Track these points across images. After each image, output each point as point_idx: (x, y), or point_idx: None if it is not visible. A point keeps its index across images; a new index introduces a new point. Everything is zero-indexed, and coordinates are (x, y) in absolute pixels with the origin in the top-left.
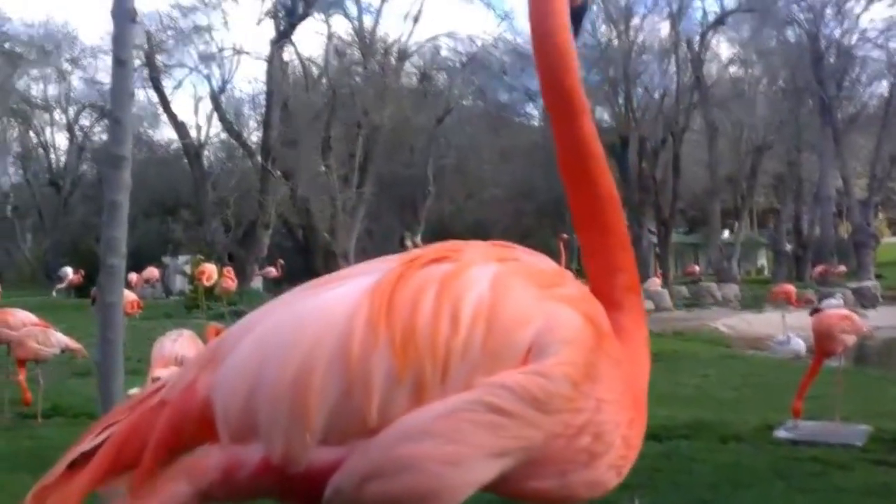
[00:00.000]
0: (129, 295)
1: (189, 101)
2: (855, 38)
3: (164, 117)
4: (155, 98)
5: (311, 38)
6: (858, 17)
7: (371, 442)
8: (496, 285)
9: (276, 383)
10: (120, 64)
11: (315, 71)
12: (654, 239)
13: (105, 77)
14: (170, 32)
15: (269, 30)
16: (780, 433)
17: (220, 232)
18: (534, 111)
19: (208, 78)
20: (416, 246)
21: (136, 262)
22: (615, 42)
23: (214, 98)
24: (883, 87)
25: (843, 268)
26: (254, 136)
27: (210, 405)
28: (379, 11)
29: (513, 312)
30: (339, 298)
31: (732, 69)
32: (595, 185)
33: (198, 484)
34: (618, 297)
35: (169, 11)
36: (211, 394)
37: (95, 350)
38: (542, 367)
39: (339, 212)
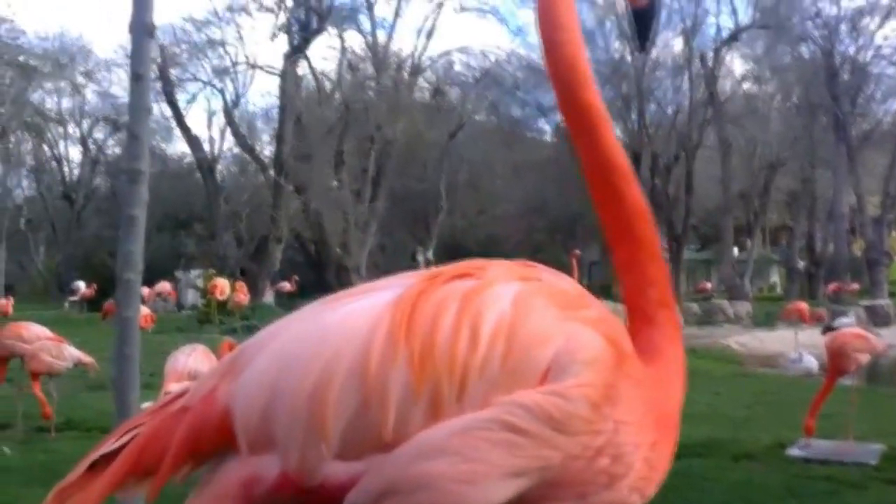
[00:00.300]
0: (142, 309)
1: (202, 115)
2: (870, 54)
3: (177, 131)
4: (168, 112)
5: (324, 53)
6: (874, 33)
7: (387, 458)
8: (517, 304)
9: (293, 394)
10: (137, 79)
11: (328, 85)
12: (666, 255)
13: (119, 90)
14: (183, 46)
15: (282, 44)
16: (793, 451)
17: (233, 246)
18: (546, 126)
19: (222, 92)
20: (427, 261)
21: (149, 276)
22: (628, 58)
23: (228, 112)
24: None
25: (856, 286)
26: (267, 151)
27: (229, 413)
28: (392, 26)
29: (533, 331)
30: (359, 312)
31: (746, 85)
32: (622, 199)
33: (218, 500)
34: (650, 312)
35: (182, 25)
36: (230, 402)
37: (112, 364)
38: (561, 388)
39: (352, 226)
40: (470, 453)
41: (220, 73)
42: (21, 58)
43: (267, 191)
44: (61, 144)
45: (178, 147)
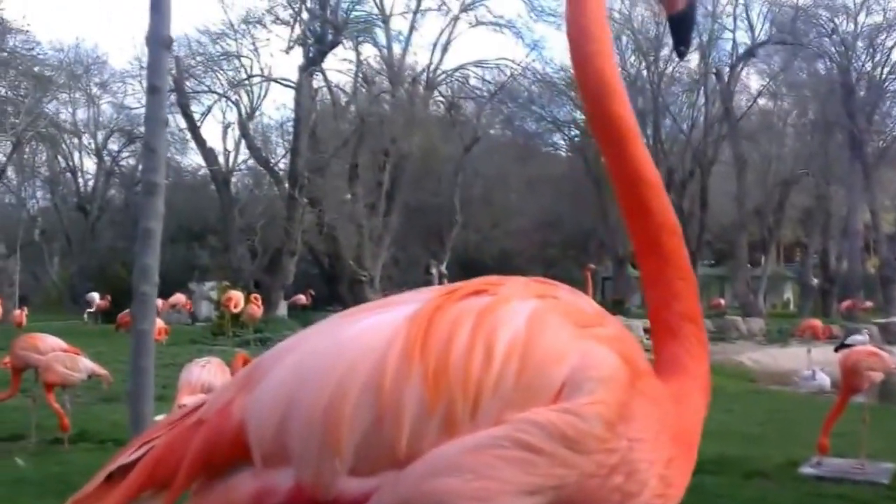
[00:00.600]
0: (156, 321)
1: (217, 127)
2: (886, 71)
3: (192, 143)
4: (183, 124)
5: (339, 66)
6: (890, 50)
7: (400, 475)
8: (532, 321)
9: (309, 408)
10: (153, 91)
11: (343, 98)
12: None
13: (134, 102)
14: (199, 58)
15: (298, 57)
16: (806, 469)
17: (247, 259)
18: (561, 141)
19: (237, 104)
20: (441, 275)
21: (163, 288)
22: (644, 73)
23: (243, 124)
24: None
25: (869, 303)
26: (281, 163)
27: (244, 427)
28: (408, 40)
29: (547, 349)
30: (375, 327)
31: (762, 101)
32: (649, 212)
33: None
34: (674, 326)
35: (198, 37)
36: (245, 415)
37: (127, 377)
38: (575, 406)
39: (366, 240)
40: (483, 470)
41: (236, 85)
42: (36, 68)
43: (281, 203)
44: (76, 155)
45: (193, 159)
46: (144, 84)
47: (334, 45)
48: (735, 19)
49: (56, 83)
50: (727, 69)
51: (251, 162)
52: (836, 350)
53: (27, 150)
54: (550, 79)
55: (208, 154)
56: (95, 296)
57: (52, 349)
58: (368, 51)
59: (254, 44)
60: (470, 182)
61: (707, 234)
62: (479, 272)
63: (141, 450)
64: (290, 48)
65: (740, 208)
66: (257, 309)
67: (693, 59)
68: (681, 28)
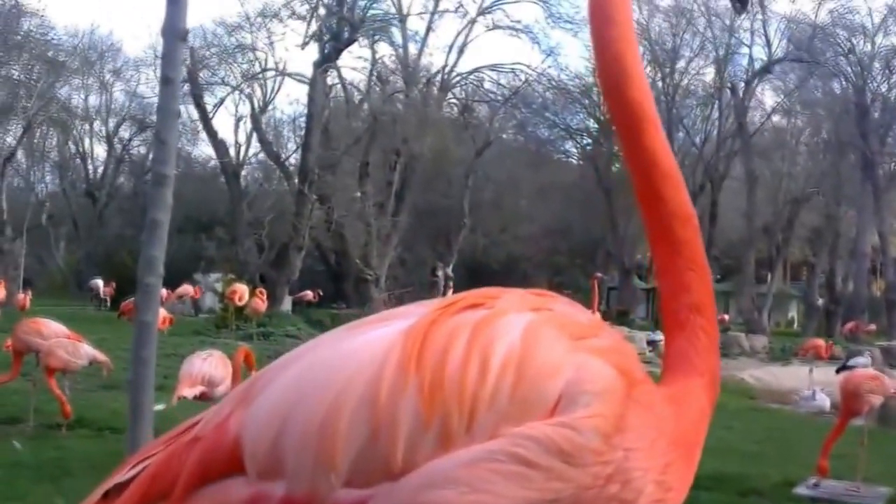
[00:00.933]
0: (160, 311)
1: (229, 120)
2: None
3: (203, 134)
4: (195, 115)
5: (354, 63)
6: None
7: (395, 486)
8: (528, 335)
9: (304, 423)
10: (167, 83)
11: (357, 96)
12: None
13: (146, 90)
14: (213, 49)
15: (313, 53)
16: (801, 490)
17: (254, 252)
18: (573, 149)
19: (250, 97)
20: (447, 277)
21: (168, 278)
22: (659, 84)
23: (255, 118)
24: None
25: (873, 326)
26: (292, 158)
27: (240, 442)
28: (424, 40)
29: (543, 363)
30: (373, 341)
31: (776, 118)
32: (661, 200)
33: None
34: (682, 317)
35: (213, 28)
36: (241, 431)
37: (128, 366)
38: (571, 420)
39: (373, 239)
40: (479, 484)
41: (249, 78)
42: (50, 53)
43: (290, 198)
44: (86, 141)
45: (204, 150)
46: (158, 73)
47: (350, 42)
48: (752, 34)
49: (69, 68)
50: (742, 84)
51: (262, 156)
52: (838, 371)
53: (38, 134)
54: (565, 86)
55: (219, 146)
56: (100, 282)
57: (54, 335)
58: (384, 50)
59: (269, 37)
60: (480, 186)
61: (714, 249)
62: (485, 276)
63: (137, 468)
64: (305, 44)
65: (749, 224)
66: (261, 303)
67: (708, 73)
68: None
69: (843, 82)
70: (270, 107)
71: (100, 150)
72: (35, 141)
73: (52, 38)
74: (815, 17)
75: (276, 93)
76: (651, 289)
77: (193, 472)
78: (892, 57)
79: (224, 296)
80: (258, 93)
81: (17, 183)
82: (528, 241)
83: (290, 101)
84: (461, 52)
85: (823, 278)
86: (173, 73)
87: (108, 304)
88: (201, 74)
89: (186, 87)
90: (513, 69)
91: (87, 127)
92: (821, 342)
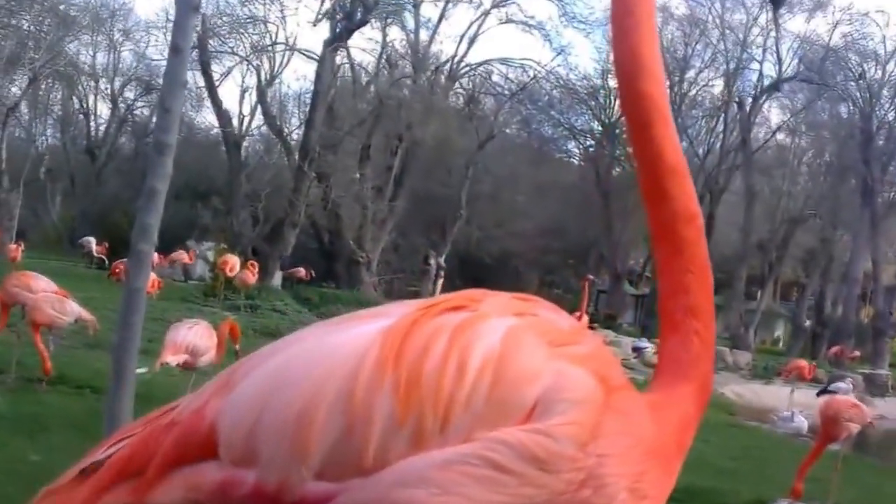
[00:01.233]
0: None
1: (235, 90)
2: None
3: (208, 102)
4: (201, 82)
5: (365, 45)
6: None
7: (366, 481)
8: (508, 339)
9: (281, 414)
10: (177, 52)
11: (364, 78)
12: None
13: (155, 53)
14: (225, 19)
15: (324, 31)
16: None
17: (248, 224)
18: (575, 150)
19: (258, 70)
20: (439, 266)
21: (161, 243)
22: (667, 92)
23: (261, 91)
24: None
25: (857, 352)
26: (294, 134)
27: (216, 428)
28: (436, 28)
29: (521, 368)
30: (354, 338)
31: (780, 136)
32: (667, 197)
33: (192, 495)
34: (677, 319)
35: None
36: (218, 417)
37: (114, 331)
38: (546, 427)
39: (369, 222)
40: (450, 486)
41: (259, 50)
42: (62, 6)
43: (289, 174)
44: (91, 99)
45: (207, 118)
46: (168, 37)
47: (362, 23)
48: (764, 51)
49: (80, 24)
50: (750, 99)
51: (264, 129)
52: (819, 395)
53: (43, 87)
54: (573, 86)
55: (223, 115)
56: (92, 241)
57: (43, 290)
58: (395, 34)
59: (282, 11)
60: (479, 178)
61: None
62: (477, 268)
63: (114, 447)
64: (317, 21)
65: (744, 240)
66: (252, 276)
67: (717, 85)
68: None
69: (851, 107)
70: (277, 81)
71: (103, 109)
72: (40, 94)
73: None
74: (829, 39)
75: (284, 67)
76: (641, 295)
77: (169, 453)
78: None
79: (215, 265)
80: (266, 65)
81: (19, 134)
82: (523, 238)
83: (298, 77)
84: (472, 42)
85: (813, 300)
86: (184, 43)
87: (100, 263)
88: (211, 42)
89: (195, 54)
90: (522, 64)
91: (92, 84)
92: (804, 364)
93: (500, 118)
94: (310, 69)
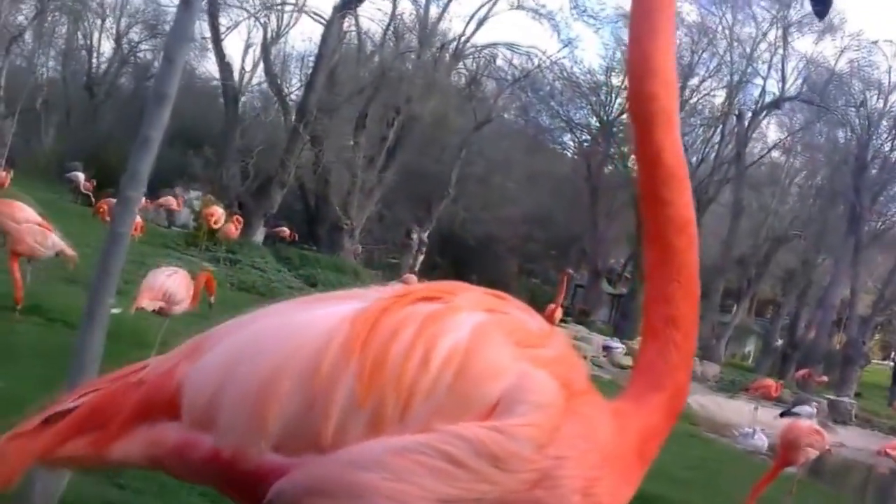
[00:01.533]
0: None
1: (239, 44)
2: None
3: (211, 53)
4: (207, 32)
5: (373, 14)
6: None
7: (320, 460)
8: (476, 334)
9: (244, 384)
10: (187, 5)
11: (370, 47)
12: None
13: None
14: None
15: None
16: None
17: (237, 178)
18: (570, 143)
19: (264, 26)
20: (421, 241)
21: (148, 186)
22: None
23: (265, 48)
24: None
25: (825, 378)
26: (294, 95)
27: (181, 391)
28: (447, 5)
29: (486, 364)
30: (324, 318)
31: (774, 154)
32: (661, 202)
33: (151, 451)
34: (657, 328)
35: None
36: (185, 381)
37: (93, 273)
38: (505, 426)
39: (357, 189)
40: (404, 474)
41: (268, 7)
42: None
43: (283, 134)
44: (95, 35)
45: (209, 68)
46: None
47: None
48: (769, 67)
49: None
50: (749, 114)
51: (265, 86)
52: (782, 415)
53: (49, 19)
54: (576, 79)
55: (225, 68)
56: (80, 175)
57: (26, 220)
58: (405, 5)
59: None
60: (472, 160)
61: None
62: (459, 248)
63: (80, 399)
64: None
65: (726, 253)
66: (235, 230)
67: (719, 96)
68: None
69: (849, 133)
70: (283, 40)
71: (106, 47)
72: (45, 25)
73: None
74: (835, 63)
75: (291, 27)
76: (618, 295)
77: (133, 410)
78: None
79: (200, 215)
80: (273, 23)
81: (20, 63)
82: (507, 224)
83: (304, 38)
84: (480, 24)
85: (787, 320)
86: None
87: (86, 198)
88: None
89: (204, 4)
90: (528, 52)
91: (98, 22)
92: (771, 382)
93: (500, 103)
94: (316, 31)
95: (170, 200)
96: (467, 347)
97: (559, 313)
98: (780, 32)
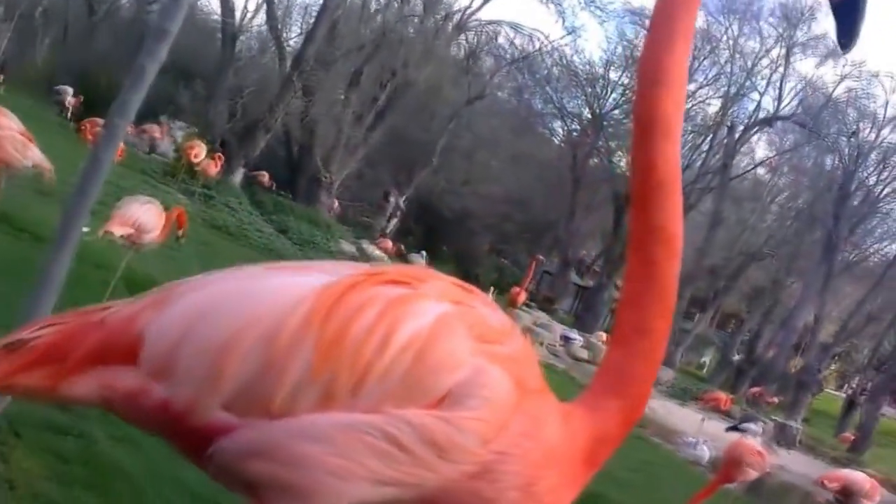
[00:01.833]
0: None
1: None
2: (886, 191)
3: None
4: None
5: None
6: None
7: (268, 425)
8: (437, 324)
9: (205, 340)
10: None
11: (374, 5)
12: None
13: None
14: None
15: None
16: None
17: (224, 117)
18: (560, 130)
19: None
20: (398, 206)
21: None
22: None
23: None
24: (892, 248)
25: (776, 399)
26: (292, 42)
27: (142, 338)
28: None
29: (443, 355)
30: (292, 286)
31: (760, 170)
32: (649, 212)
33: (104, 393)
34: (625, 335)
35: None
36: (147, 328)
37: (70, 194)
38: (453, 417)
39: (341, 145)
40: (347, 451)
41: None
42: None
43: (276, 80)
44: None
45: (210, 1)
46: None
47: None
48: (768, 84)
49: None
50: (741, 128)
51: (264, 29)
52: (728, 430)
53: None
54: (574, 68)
55: (226, 5)
56: (69, 90)
57: (9, 128)
58: None
59: None
60: (459, 133)
61: None
62: (434, 218)
63: (43, 330)
64: None
65: (698, 261)
66: (214, 167)
67: (714, 105)
68: (843, 17)
69: (836, 161)
70: None
71: None
72: None
73: None
74: (833, 89)
75: None
76: (584, 287)
77: (92, 350)
78: (892, 155)
79: (182, 147)
80: None
81: None
82: (486, 201)
83: None
84: None
85: (748, 337)
86: None
87: (71, 115)
88: None
89: None
90: (531, 34)
91: None
92: (723, 396)
93: (496, 80)
94: None
95: (153, 128)
96: (428, 335)
97: (523, 297)
98: (783, 51)
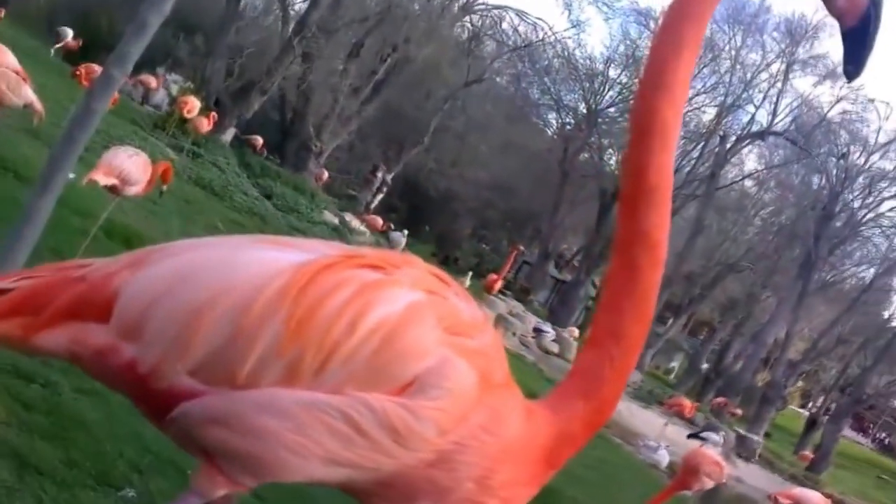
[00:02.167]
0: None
1: None
2: (868, 216)
3: None
4: None
5: None
6: (882, 201)
7: (231, 395)
8: (408, 311)
9: (177, 305)
10: None
11: None
12: (594, 293)
13: None
14: None
15: None
16: None
17: (221, 74)
18: (554, 122)
19: None
20: (384, 182)
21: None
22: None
23: None
24: (868, 274)
25: (740, 411)
26: (297, 7)
27: (117, 297)
28: None
29: (410, 343)
30: (269, 261)
31: (747, 183)
32: (636, 217)
33: (74, 348)
34: (599, 338)
35: None
36: (123, 287)
37: (58, 141)
38: (414, 405)
39: (335, 115)
40: (306, 429)
41: None
42: None
43: (277, 43)
44: None
45: None
46: None
47: None
48: (764, 98)
49: None
50: (733, 138)
51: None
52: (689, 437)
53: None
54: (575, 61)
55: None
56: (69, 31)
57: (4, 65)
58: None
59: None
60: (453, 114)
61: None
62: (419, 197)
63: (21, 281)
64: None
65: (675, 266)
66: (207, 124)
67: (708, 113)
68: (853, 44)
69: (823, 181)
70: None
71: None
72: None
73: None
74: (828, 110)
75: None
76: (561, 280)
77: (67, 304)
78: (879, 180)
79: (175, 100)
80: None
81: None
82: (472, 185)
83: None
84: None
85: (718, 346)
86: None
87: (69, 56)
88: None
89: None
90: (535, 22)
91: None
92: (687, 402)
93: (495, 65)
94: None
95: (149, 79)
96: (396, 322)
97: (500, 284)
98: (783, 67)
